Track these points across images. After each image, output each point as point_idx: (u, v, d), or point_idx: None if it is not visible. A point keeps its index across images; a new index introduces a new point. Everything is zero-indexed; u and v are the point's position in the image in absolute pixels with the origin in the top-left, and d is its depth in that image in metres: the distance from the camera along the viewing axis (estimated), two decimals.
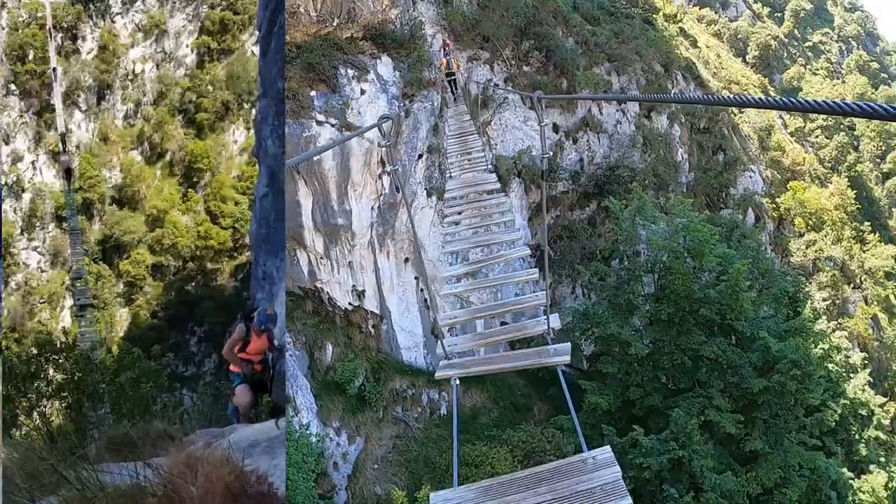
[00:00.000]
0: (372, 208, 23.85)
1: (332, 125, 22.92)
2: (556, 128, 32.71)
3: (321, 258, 23.71)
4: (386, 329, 25.45)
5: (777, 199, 52.35)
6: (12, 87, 48.97)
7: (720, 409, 24.64)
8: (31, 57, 50.01)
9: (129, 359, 19.21)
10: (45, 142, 49.29)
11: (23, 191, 47.83)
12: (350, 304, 24.65)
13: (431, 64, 26.39)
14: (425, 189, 25.16)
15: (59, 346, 17.95)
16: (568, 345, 8.43)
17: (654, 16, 49.38)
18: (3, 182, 44.83)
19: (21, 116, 48.81)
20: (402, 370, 25.91)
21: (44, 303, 46.08)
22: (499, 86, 28.44)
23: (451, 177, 18.72)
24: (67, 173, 46.57)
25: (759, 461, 25.09)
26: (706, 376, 26.20)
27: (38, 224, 48.05)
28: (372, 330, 25.29)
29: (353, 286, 24.37)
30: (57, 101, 48.58)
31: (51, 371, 17.08)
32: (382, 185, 23.88)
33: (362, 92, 23.97)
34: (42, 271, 47.70)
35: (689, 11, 76.37)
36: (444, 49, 26.26)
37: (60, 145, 48.06)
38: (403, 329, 25.62)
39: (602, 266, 29.41)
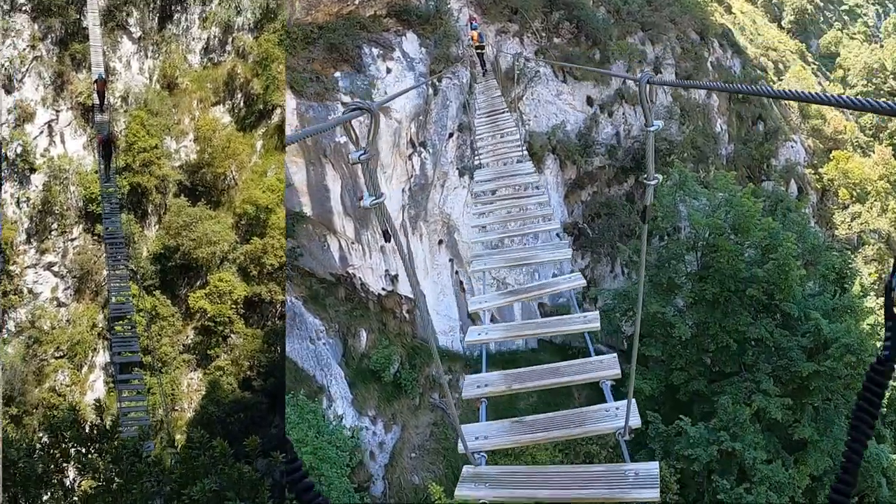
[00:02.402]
0: (403, 190, 23.13)
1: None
2: (589, 101, 31.59)
3: (352, 243, 23.08)
4: (420, 313, 24.80)
5: (820, 170, 50.53)
6: None
7: (768, 393, 23.60)
8: None
9: (203, 457, 10.60)
10: (71, 90, 27.52)
11: (32, 170, 26.52)
12: (383, 289, 24.04)
13: (458, 39, 25.46)
14: (457, 169, 24.35)
15: (86, 431, 11.22)
16: (596, 313, 8.03)
17: None
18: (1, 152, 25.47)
19: (33, 47, 26.99)
20: (439, 355, 25.25)
21: (61, 357, 25.94)
22: (529, 59, 27.40)
23: (480, 164, 17.04)
24: (105, 143, 24.52)
25: (808, 449, 24.07)
26: (753, 359, 25.14)
27: (54, 226, 26.93)
28: (406, 315, 24.66)
29: (386, 271, 23.73)
30: (92, 21, 27.30)
31: (72, 473, 11.10)
32: (412, 165, 23.11)
33: (388, 71, 23.20)
34: (60, 305, 26.82)
35: None
36: (471, 23, 25.36)
37: (96, 96, 26.19)
38: (439, 313, 24.97)
39: None
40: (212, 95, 29.60)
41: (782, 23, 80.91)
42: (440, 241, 24.49)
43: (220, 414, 24.09)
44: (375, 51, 23.49)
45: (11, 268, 25.84)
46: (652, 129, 4.34)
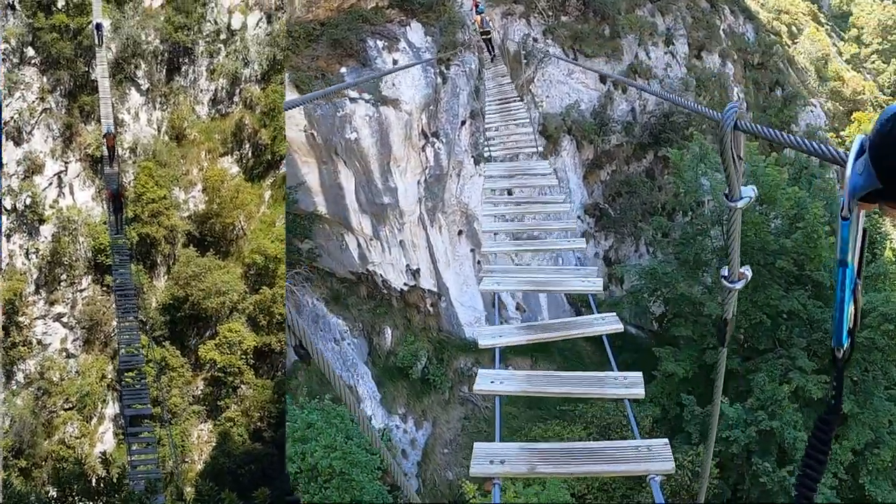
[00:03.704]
0: (418, 183, 22.71)
1: (367, 100, 21.78)
2: (602, 78, 30.92)
3: (370, 240, 22.73)
4: (445, 306, 24.44)
5: (841, 133, 49.46)
6: (29, 51, 27.48)
7: (804, 370, 22.94)
8: (61, 4, 28.24)
9: None
10: (80, 141, 27.84)
11: (41, 222, 26.72)
12: (405, 284, 23.70)
13: (464, 25, 24.92)
14: (472, 157, 23.87)
15: (94, 484, 11.56)
16: (615, 316, 7.66)
17: None
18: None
19: (42, 99, 27.33)
20: (466, 347, 24.92)
21: (71, 409, 25.97)
22: (537, 40, 26.80)
23: (490, 156, 16.02)
24: (115, 198, 25.13)
25: (848, 423, 23.37)
26: (786, 334, 24.48)
27: (63, 277, 27.09)
28: (431, 309, 24.32)
29: (407, 265, 23.38)
30: (101, 73, 27.42)
31: None
32: (426, 157, 22.67)
33: (395, 62, 22.73)
34: (69, 356, 26.91)
35: None
36: (475, 7, 24.82)
37: (105, 148, 26.25)
38: (463, 304, 24.59)
39: (665, 221, 27.75)
40: (220, 146, 29.59)
41: None
42: (460, 232, 24.09)
43: (231, 465, 23.99)
44: (380, 43, 23.05)
45: (20, 319, 25.77)
46: (740, 202, 2.87)
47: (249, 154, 29.34)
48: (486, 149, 16.41)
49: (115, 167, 26.22)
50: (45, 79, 27.11)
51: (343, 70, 22.51)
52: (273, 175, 28.35)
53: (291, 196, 22.80)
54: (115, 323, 24.56)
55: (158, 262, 28.46)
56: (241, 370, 26.36)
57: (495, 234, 11.48)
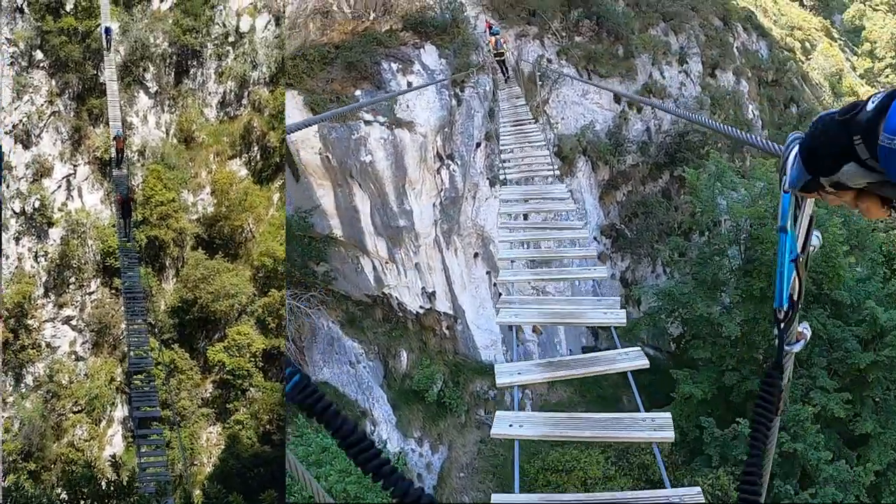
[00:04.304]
0: (433, 205, 22.64)
1: (381, 123, 21.79)
2: (617, 98, 30.84)
3: (386, 263, 22.66)
4: (461, 329, 24.29)
5: None
6: (38, 54, 27.28)
7: (826, 389, 22.60)
8: (69, 7, 27.98)
9: None
10: (89, 144, 27.81)
11: (50, 225, 26.52)
12: (421, 307, 23.58)
13: (478, 47, 24.96)
14: (487, 179, 23.80)
15: (104, 487, 11.50)
16: (640, 351, 7.37)
17: None
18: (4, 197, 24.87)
19: (50, 102, 27.21)
20: (482, 370, 24.74)
21: (80, 412, 25.71)
22: (551, 61, 26.78)
23: (506, 180, 15.83)
24: (125, 202, 24.57)
25: (870, 443, 23.02)
26: (806, 354, 24.10)
27: (72, 280, 26.93)
28: (447, 332, 24.17)
29: (423, 288, 23.27)
30: (109, 76, 27.49)
31: None
32: (442, 179, 22.62)
33: (409, 85, 22.75)
34: (78, 359, 26.76)
35: None
36: (489, 29, 24.87)
37: (114, 151, 26.38)
38: (479, 327, 24.43)
39: (682, 241, 27.51)
40: (228, 149, 29.69)
41: (804, 0, 79.28)
42: (476, 254, 23.98)
43: (240, 468, 23.80)
44: (395, 66, 23.09)
45: (29, 322, 25.91)
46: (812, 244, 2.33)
47: (258, 157, 29.44)
48: (502, 172, 16.29)
49: (124, 170, 26.52)
50: (53, 82, 27.32)
51: (358, 93, 22.56)
52: (282, 177, 27.91)
53: (307, 219, 22.79)
54: (123, 326, 24.39)
55: (167, 264, 28.49)
56: (249, 373, 26.31)
57: (512, 261, 11.30)
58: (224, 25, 30.19)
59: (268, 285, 26.58)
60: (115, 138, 25.52)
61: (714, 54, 36.87)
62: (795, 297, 2.32)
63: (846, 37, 78.53)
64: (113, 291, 27.01)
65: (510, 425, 6.57)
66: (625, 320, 8.08)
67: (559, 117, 28.35)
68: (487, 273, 24.44)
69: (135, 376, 21.38)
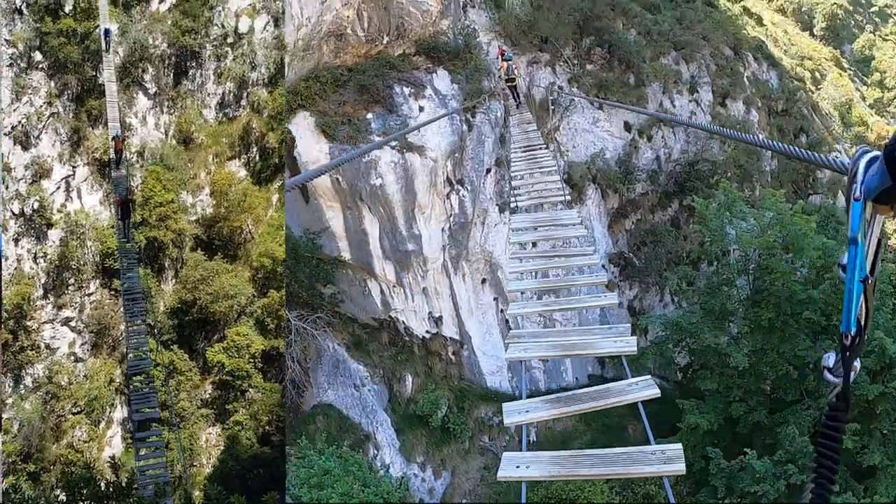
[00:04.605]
0: (442, 230, 22.64)
1: (392, 147, 21.86)
2: (627, 126, 30.91)
3: (394, 286, 22.62)
4: (467, 355, 24.19)
5: None
6: (37, 56, 27.21)
7: None
8: (68, 8, 28.00)
9: None
10: (88, 145, 27.77)
11: (49, 226, 26.55)
12: (427, 331, 23.52)
13: (490, 72, 25.07)
14: (497, 205, 23.80)
15: (103, 488, 11.65)
16: (650, 380, 7.22)
17: None
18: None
19: (49, 103, 27.25)
20: (487, 397, 24.62)
21: (79, 413, 25.57)
22: (562, 88, 26.86)
23: (517, 207, 15.69)
24: (124, 204, 24.44)
25: (877, 475, 22.70)
26: (814, 385, 23.90)
27: (71, 281, 26.86)
28: (452, 357, 24.08)
29: (430, 313, 23.22)
30: (108, 78, 27.45)
31: None
32: (451, 204, 22.63)
33: (421, 109, 22.85)
34: (77, 360, 26.65)
35: None
36: (501, 55, 24.99)
37: (112, 152, 26.26)
38: (485, 353, 24.34)
39: (690, 270, 27.40)
40: (227, 150, 29.63)
41: (814, 30, 79.58)
42: (483, 280, 23.94)
43: (239, 469, 23.61)
44: (407, 90, 23.20)
45: (28, 323, 25.89)
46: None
47: (257, 157, 29.38)
48: (513, 199, 16.21)
49: (123, 171, 26.51)
50: (52, 83, 27.36)
51: (369, 116, 22.66)
52: (281, 178, 28.30)
53: (315, 241, 22.79)
54: (123, 327, 24.20)
55: (166, 265, 28.45)
56: (249, 374, 26.15)
57: (522, 292, 11.21)
58: (223, 26, 30.26)
59: (267, 286, 26.46)
60: (113, 139, 25.52)
61: (724, 84, 36.96)
62: (862, 322, 2.16)
63: (856, 67, 78.75)
64: (112, 293, 26.95)
65: (517, 466, 6.40)
66: (635, 348, 7.98)
67: (570, 144, 28.41)
68: (495, 299, 24.39)
69: (134, 377, 21.25)
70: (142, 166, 28.42)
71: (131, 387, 21.46)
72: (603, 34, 30.93)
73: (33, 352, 25.76)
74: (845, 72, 68.21)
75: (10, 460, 23.72)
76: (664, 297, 30.67)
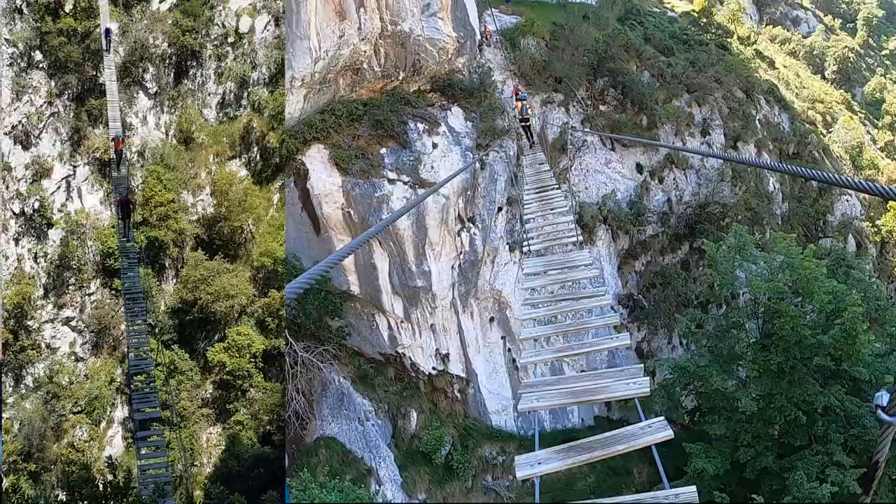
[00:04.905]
0: (452, 267, 22.65)
1: (405, 182, 21.98)
2: (639, 168, 31.02)
3: (401, 322, 22.59)
4: (473, 393, 24.05)
5: (877, 222, 48.83)
6: (37, 55, 27.15)
7: (842, 465, 22.03)
8: (68, 7, 28.01)
9: None
10: (88, 145, 27.69)
11: (49, 226, 26.45)
12: (434, 368, 23.42)
13: (504, 111, 25.25)
14: (507, 244, 23.81)
15: (102, 488, 11.60)
16: (664, 422, 7.15)
17: (728, 40, 47.31)
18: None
19: (50, 103, 27.18)
20: (492, 435, 24.43)
21: (80, 413, 25.39)
22: (576, 128, 27.01)
23: (529, 250, 15.73)
24: (124, 204, 24.26)
25: None
26: (823, 430, 23.60)
27: (72, 281, 26.78)
28: (458, 394, 23.94)
29: (437, 350, 23.13)
30: (108, 78, 27.36)
31: None
32: (461, 242, 22.67)
33: (434, 146, 23.00)
34: (78, 360, 26.48)
35: (762, 32, 73.64)
36: (516, 94, 25.16)
37: (113, 152, 26.00)
38: (491, 392, 24.20)
39: (699, 313, 27.26)
40: (228, 149, 29.70)
41: (825, 73, 79.98)
42: (491, 319, 23.89)
43: (240, 469, 23.47)
44: (421, 126, 23.37)
45: (29, 323, 25.91)
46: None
47: (258, 157, 29.39)
48: (525, 243, 16.18)
49: (124, 171, 26.47)
50: (52, 83, 27.35)
51: (383, 151, 22.82)
52: (281, 178, 27.80)
53: (324, 273, 22.78)
54: (123, 326, 24.13)
55: (167, 265, 28.48)
56: (249, 373, 26.10)
57: (535, 340, 11.14)
58: (223, 26, 30.35)
59: (267, 286, 26.43)
60: (113, 140, 25.49)
61: (736, 126, 37.10)
62: None
63: (867, 110, 79.00)
64: (113, 292, 26.93)
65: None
66: (648, 389, 7.85)
67: (581, 185, 28.52)
68: (502, 338, 24.32)
69: (135, 377, 21.04)
70: (142, 166, 28.53)
71: (132, 386, 21.30)
72: (617, 75, 31.18)
73: (34, 351, 25.80)
74: (856, 115, 68.39)
75: (11, 460, 23.64)
76: (672, 339, 30.50)
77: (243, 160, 29.76)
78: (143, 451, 18.23)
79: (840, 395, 23.43)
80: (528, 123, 24.84)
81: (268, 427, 25.30)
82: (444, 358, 23.35)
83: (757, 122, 39.61)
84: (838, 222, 42.64)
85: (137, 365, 20.70)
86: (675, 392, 25.21)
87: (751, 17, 76.09)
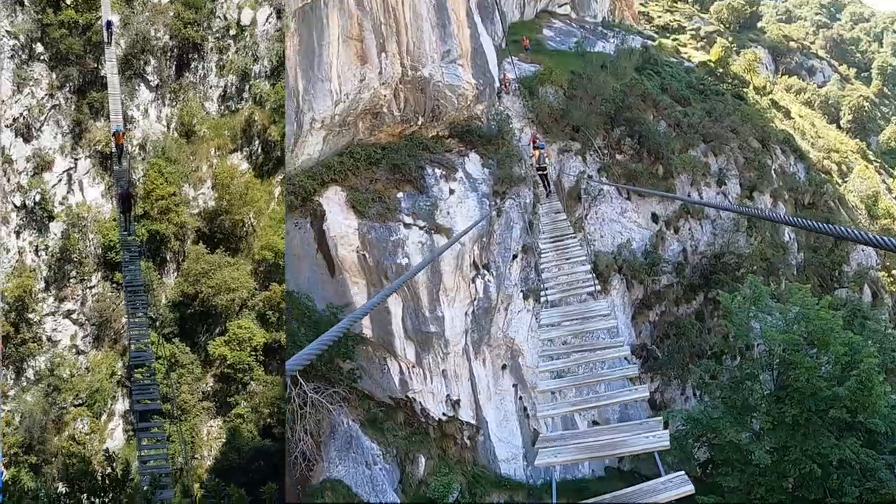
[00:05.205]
0: (465, 314, 22.63)
1: (421, 227, 22.09)
2: (654, 217, 31.08)
3: (413, 367, 22.51)
4: (483, 440, 23.82)
5: (893, 272, 48.49)
6: (38, 47, 26.92)
7: None
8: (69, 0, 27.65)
9: None
10: (90, 138, 27.37)
11: (50, 218, 26.31)
12: (444, 414, 23.25)
13: (521, 159, 25.44)
14: (521, 291, 23.80)
15: (101, 480, 11.48)
16: (685, 476, 7.05)
17: (745, 90, 47.64)
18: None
19: (51, 95, 26.97)
20: (500, 484, 24.11)
21: (80, 405, 25.17)
22: (592, 177, 27.16)
23: (547, 301, 15.70)
24: (125, 198, 23.77)
25: None
26: (838, 483, 23.18)
27: (73, 274, 26.58)
28: (468, 441, 23.71)
29: (448, 396, 23.00)
30: (110, 70, 26.98)
31: None
32: (476, 288, 22.68)
33: (451, 192, 23.16)
34: (79, 353, 26.26)
35: (778, 81, 74.18)
36: (534, 142, 25.36)
37: (114, 145, 25.32)
38: (501, 440, 23.95)
39: (713, 364, 27.04)
40: (229, 142, 29.68)
41: (841, 122, 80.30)
42: (504, 366, 23.78)
43: (241, 461, 23.39)
44: (438, 171, 23.55)
45: (30, 316, 26.03)
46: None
47: (259, 150, 29.47)
48: (543, 293, 16.17)
49: (125, 164, 26.32)
50: (53, 75, 27.34)
51: (400, 195, 22.97)
52: (283, 172, 27.41)
53: (338, 315, 22.80)
54: (124, 320, 24.10)
55: (168, 258, 28.53)
56: (250, 366, 26.06)
57: (553, 392, 11.10)
58: (225, 18, 30.34)
59: (268, 279, 26.39)
60: (114, 134, 25.43)
61: (752, 176, 37.18)
62: None
63: (882, 158, 79.06)
64: (114, 285, 26.96)
65: None
66: (668, 443, 7.72)
67: (597, 234, 28.58)
68: (514, 385, 24.17)
69: (136, 370, 20.92)
70: (144, 159, 28.50)
71: (133, 379, 21.17)
72: (633, 125, 31.41)
73: (35, 344, 25.81)
74: (872, 164, 68.41)
75: (12, 452, 23.62)
76: (686, 390, 30.22)
77: (245, 153, 29.90)
78: (144, 444, 18.21)
79: (856, 448, 23.06)
80: (545, 172, 24.99)
81: (268, 420, 25.25)
82: (455, 404, 23.21)
83: (773, 172, 39.68)
84: (854, 272, 42.37)
85: (138, 358, 20.69)
86: (688, 444, 24.89)
87: (766, 67, 76.80)
